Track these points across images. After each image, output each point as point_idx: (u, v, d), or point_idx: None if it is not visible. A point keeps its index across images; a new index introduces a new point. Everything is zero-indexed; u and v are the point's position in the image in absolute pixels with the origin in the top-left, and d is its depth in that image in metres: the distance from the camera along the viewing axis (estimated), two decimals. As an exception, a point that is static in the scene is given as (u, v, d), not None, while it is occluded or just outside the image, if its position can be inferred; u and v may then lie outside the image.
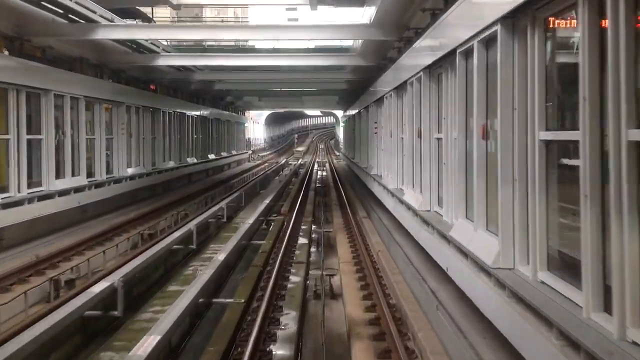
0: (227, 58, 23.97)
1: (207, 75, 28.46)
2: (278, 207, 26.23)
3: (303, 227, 21.00)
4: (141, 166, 26.04)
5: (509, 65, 7.01)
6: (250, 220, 18.82)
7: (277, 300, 11.51)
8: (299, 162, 62.37)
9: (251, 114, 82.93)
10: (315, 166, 59.51)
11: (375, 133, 23.47)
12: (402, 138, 16.43)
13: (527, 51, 6.65)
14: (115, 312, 10.17)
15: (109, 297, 10.43)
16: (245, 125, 59.69)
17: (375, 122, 23.47)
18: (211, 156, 41.64)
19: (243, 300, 10.61)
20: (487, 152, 8.01)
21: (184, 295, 10.01)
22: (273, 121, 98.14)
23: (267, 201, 24.99)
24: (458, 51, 9.11)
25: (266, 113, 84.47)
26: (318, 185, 38.91)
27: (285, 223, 21.25)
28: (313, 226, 22.34)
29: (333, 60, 23.20)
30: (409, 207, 13.61)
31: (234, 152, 51.32)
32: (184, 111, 33.79)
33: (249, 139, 71.08)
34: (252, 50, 28.68)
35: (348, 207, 25.46)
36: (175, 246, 15.45)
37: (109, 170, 22.62)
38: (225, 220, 21.09)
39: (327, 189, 35.85)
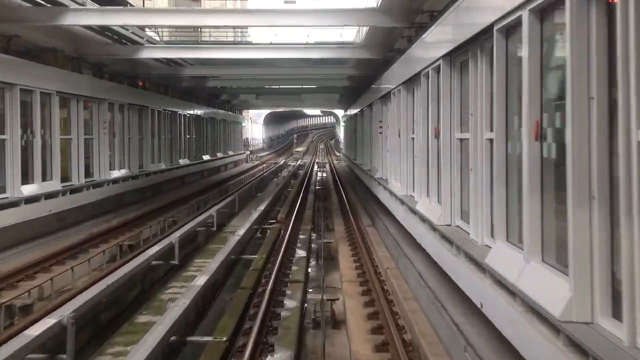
0: (219, 50, 21.95)
1: (199, 70, 26.46)
2: (275, 213, 24.26)
3: (301, 236, 19.04)
4: (126, 169, 24.06)
5: (583, 37, 5.03)
6: (242, 230, 16.84)
7: (267, 334, 9.52)
8: (298, 163, 60.40)
9: (250, 113, 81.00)
10: (315, 167, 57.53)
11: (380, 133, 21.50)
12: (413, 138, 14.48)
13: (613, 17, 4.69)
14: (63, 357, 8.17)
15: (59, 335, 8.43)
16: (243, 125, 57.72)
17: (380, 121, 21.52)
18: (206, 157, 39.66)
19: (225, 339, 8.61)
20: (541, 158, 6.03)
21: (151, 334, 8.03)
22: (272, 121, 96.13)
23: (262, 206, 23.03)
24: (496, 28, 7.15)
25: (265, 112, 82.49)
26: (318, 188, 36.95)
27: (282, 232, 19.30)
28: (312, 234, 20.39)
29: (334, 52, 21.21)
30: (423, 219, 11.65)
31: (230, 153, 49.35)
32: (176, 110, 31.81)
33: (247, 139, 69.10)
34: (247, 44, 26.71)
35: (350, 213, 23.49)
36: (154, 262, 13.48)
37: (88, 174, 20.64)
38: (215, 229, 19.10)
39: (328, 191, 33.89)
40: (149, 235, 18.76)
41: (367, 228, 19.23)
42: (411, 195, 14.63)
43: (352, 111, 38.62)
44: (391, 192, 16.77)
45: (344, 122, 54.07)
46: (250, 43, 27.77)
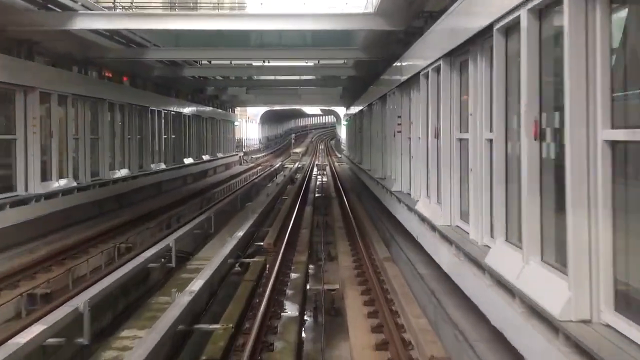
0: (188, 19, 16.52)
1: (168, 53, 21.24)
2: (262, 235, 19.06)
3: (293, 275, 13.79)
4: (70, 178, 18.83)
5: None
6: (208, 272, 11.62)
7: None
8: (296, 165, 55.16)
9: (248, 113, 75.76)
10: (315, 170, 52.28)
11: (399, 132, 16.31)
12: (462, 141, 9.43)
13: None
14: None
15: None
16: (235, 124, 52.52)
17: (399, 117, 16.34)
18: (188, 160, 34.43)
19: None
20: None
21: None
22: (269, 120, 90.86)
23: (247, 225, 17.79)
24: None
25: (261, 111, 77.23)
26: (318, 196, 31.76)
27: (268, 269, 14.09)
28: (309, 268, 15.19)
29: (338, 22, 15.88)
30: (498, 281, 6.51)
31: (219, 155, 44.14)
32: (146, 105, 26.60)
33: (241, 139, 63.91)
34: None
35: (357, 234, 18.28)
36: (50, 341, 8.25)
37: (7, 187, 15.45)
38: (174, 264, 13.81)
39: (329, 202, 28.68)
40: (84, 273, 13.59)
41: (385, 262, 13.96)
42: (460, 228, 9.48)
43: (357, 108, 33.44)
44: (422, 218, 11.58)
45: (346, 121, 48.69)
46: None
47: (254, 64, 28.05)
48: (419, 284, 11.00)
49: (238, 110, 74.84)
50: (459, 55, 9.57)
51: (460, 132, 9.81)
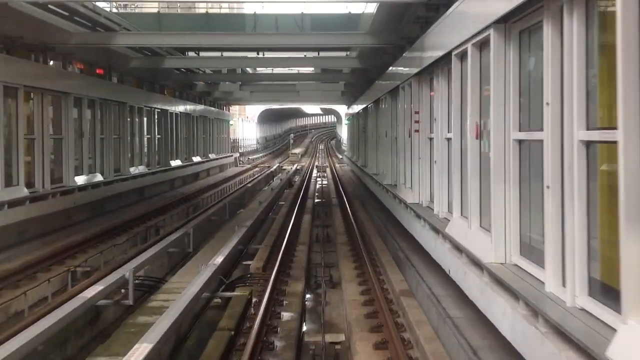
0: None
1: (143, 38, 18.15)
2: (250, 253, 16.06)
3: (285, 315, 10.71)
4: (22, 185, 15.78)
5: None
6: (174, 313, 8.64)
7: None
8: (295, 167, 52.12)
9: (241, 111, 72.72)
10: (314, 172, 49.29)
11: (416, 132, 13.35)
12: (519, 143, 6.54)
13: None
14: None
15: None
16: (230, 123, 49.47)
17: (417, 113, 13.40)
18: (175, 162, 31.40)
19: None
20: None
21: None
22: (267, 119, 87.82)
23: (233, 242, 14.79)
24: None
25: (258, 109, 74.19)
26: (317, 202, 28.76)
27: (253, 306, 11.06)
28: (307, 301, 12.19)
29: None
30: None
31: (212, 156, 41.11)
32: (124, 101, 23.55)
33: (236, 139, 60.89)
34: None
35: (364, 252, 15.29)
36: None
37: None
38: (131, 301, 10.77)
39: (329, 209, 25.67)
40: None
41: (403, 299, 10.90)
42: (526, 272, 6.52)
43: (360, 106, 30.48)
44: (457, 247, 8.58)
45: (348, 120, 45.62)
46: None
47: (248, 55, 25.07)
48: (452, 336, 7.97)
49: (237, 109, 71.97)
50: (521, 21, 6.60)
51: (520, 131, 6.82)
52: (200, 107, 37.26)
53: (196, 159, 35.83)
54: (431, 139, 12.40)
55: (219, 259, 12.22)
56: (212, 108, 41.08)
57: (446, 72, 10.62)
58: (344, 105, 52.02)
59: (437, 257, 10.06)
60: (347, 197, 27.93)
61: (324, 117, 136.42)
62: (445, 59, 10.14)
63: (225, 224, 20.86)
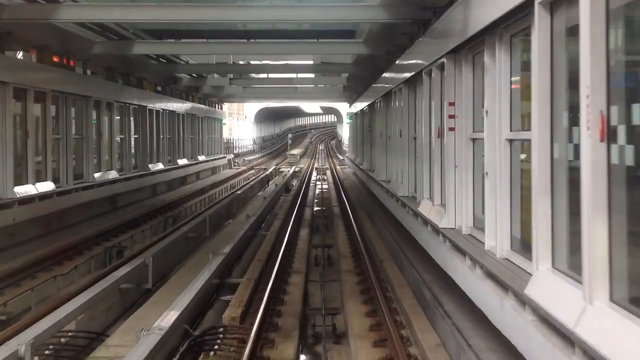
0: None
1: (92, 12, 14.43)
2: (228, 288, 12.40)
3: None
4: None
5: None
6: None
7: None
8: (293, 169, 48.45)
9: (240, 109, 69.08)
10: (314, 175, 45.69)
11: (451, 130, 9.74)
12: None
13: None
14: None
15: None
16: (223, 122, 45.80)
17: (451, 105, 9.80)
18: (157, 166, 27.76)
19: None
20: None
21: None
22: (265, 119, 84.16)
23: (203, 278, 11.12)
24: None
25: (255, 108, 70.54)
26: (317, 211, 25.15)
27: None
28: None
29: None
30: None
31: (202, 158, 37.46)
32: (88, 94, 19.89)
33: (231, 139, 57.25)
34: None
35: (377, 289, 11.64)
36: None
37: None
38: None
39: (331, 221, 22.05)
40: None
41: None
42: None
43: (364, 102, 26.99)
44: (547, 321, 4.95)
45: (350, 118, 41.84)
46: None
47: (239, 46, 21.51)
48: None
49: (235, 107, 68.28)
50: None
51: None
52: (187, 104, 33.62)
53: (182, 161, 32.19)
54: (475, 140, 8.83)
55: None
56: (202, 105, 37.44)
57: (501, 47, 7.04)
58: (345, 103, 48.36)
59: (504, 327, 6.40)
60: (350, 206, 24.30)
61: (324, 116, 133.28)
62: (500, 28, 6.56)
63: (204, 243, 17.21)
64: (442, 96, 10.19)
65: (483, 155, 8.04)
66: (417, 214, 11.94)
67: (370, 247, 16.06)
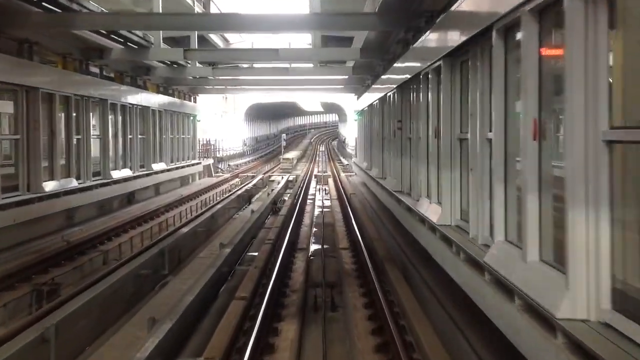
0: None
1: None
2: None
3: None
4: None
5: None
6: None
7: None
8: (287, 178, 38.85)
9: (222, 103, 59.49)
10: (312, 186, 36.23)
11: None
12: None
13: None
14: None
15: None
16: (198, 118, 36.21)
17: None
18: (73, 183, 18.21)
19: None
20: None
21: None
22: (257, 116, 74.44)
23: None
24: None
25: (246, 103, 60.94)
26: (314, 256, 15.68)
27: None
28: None
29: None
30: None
31: (158, 167, 27.83)
32: None
33: (211, 141, 47.71)
34: None
35: None
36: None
37: None
38: None
39: (339, 279, 12.56)
40: None
41: None
42: None
43: (378, 93, 17.72)
44: None
45: (358, 115, 32.07)
46: None
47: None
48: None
49: (226, 102, 58.66)
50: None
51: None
52: (143, 94, 24.13)
53: (122, 173, 22.60)
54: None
55: None
56: (161, 95, 27.87)
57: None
58: (352, 95, 38.84)
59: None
60: (367, 247, 14.93)
61: (324, 115, 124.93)
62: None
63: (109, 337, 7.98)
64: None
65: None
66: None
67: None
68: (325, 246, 17.40)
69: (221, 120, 54.27)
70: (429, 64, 9.98)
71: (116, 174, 21.67)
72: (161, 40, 19.31)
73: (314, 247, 17.61)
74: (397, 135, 14.98)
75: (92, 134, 19.68)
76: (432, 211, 9.70)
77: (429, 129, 10.29)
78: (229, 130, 58.06)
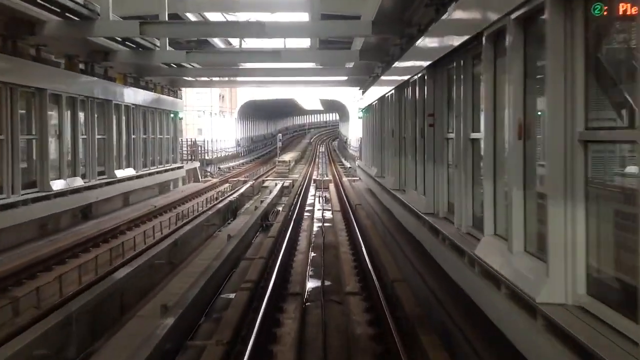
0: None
1: None
2: None
3: None
4: None
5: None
6: None
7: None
8: (282, 184, 34.26)
9: (230, 105, 55.05)
10: (311, 194, 31.72)
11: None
12: None
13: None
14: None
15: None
16: (180, 116, 31.67)
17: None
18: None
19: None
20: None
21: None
22: (253, 115, 69.88)
23: None
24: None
25: (240, 100, 56.46)
26: (311, 302, 11.17)
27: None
28: None
29: None
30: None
31: (129, 173, 23.28)
32: None
33: (197, 141, 43.22)
34: None
35: None
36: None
37: None
38: None
39: (350, 351, 8.00)
40: None
41: None
42: None
43: (386, 87, 13.38)
44: None
45: (364, 112, 27.39)
46: None
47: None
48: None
49: (222, 100, 54.27)
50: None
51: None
52: (115, 87, 19.65)
53: (69, 183, 18.00)
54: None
55: None
56: (128, 88, 23.30)
57: None
58: (355, 90, 34.36)
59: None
60: (385, 294, 10.46)
61: (324, 115, 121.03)
62: None
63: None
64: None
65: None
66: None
67: None
68: (326, 282, 13.01)
69: (211, 120, 49.71)
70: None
71: (59, 185, 17.07)
72: (110, 11, 14.71)
73: (311, 284, 13.16)
74: (427, 134, 10.41)
75: (21, 133, 15.10)
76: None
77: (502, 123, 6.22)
78: (220, 130, 53.49)
